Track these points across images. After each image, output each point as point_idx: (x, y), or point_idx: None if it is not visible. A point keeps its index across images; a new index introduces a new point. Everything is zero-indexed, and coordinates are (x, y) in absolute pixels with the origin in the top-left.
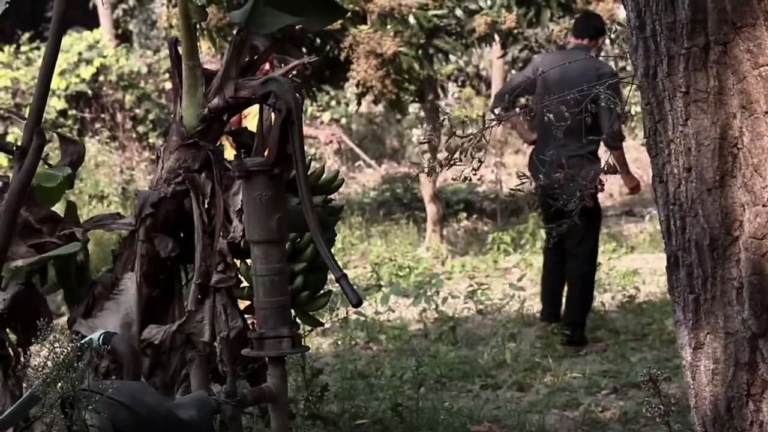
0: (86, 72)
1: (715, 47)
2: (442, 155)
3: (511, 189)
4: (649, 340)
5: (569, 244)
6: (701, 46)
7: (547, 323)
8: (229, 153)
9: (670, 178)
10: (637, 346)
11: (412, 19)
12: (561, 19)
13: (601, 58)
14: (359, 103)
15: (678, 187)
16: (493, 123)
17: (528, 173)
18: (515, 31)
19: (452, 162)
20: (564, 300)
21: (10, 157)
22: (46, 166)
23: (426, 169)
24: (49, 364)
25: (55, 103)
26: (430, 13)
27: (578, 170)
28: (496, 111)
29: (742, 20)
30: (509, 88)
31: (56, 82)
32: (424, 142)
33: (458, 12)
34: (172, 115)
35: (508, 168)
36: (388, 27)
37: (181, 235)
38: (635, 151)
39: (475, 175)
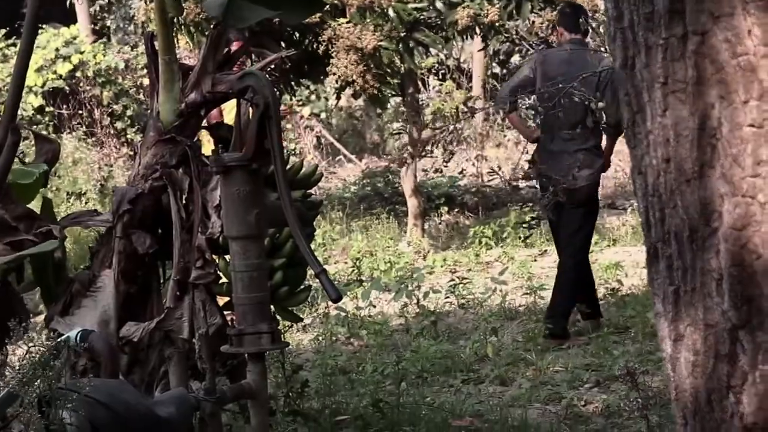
0: (63, 68)
1: (693, 37)
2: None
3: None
4: (631, 333)
5: (564, 234)
6: (679, 36)
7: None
8: (207, 148)
9: (649, 170)
10: (620, 339)
11: (391, 12)
12: (542, 11)
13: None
14: (339, 98)
15: (657, 178)
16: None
17: (530, 169)
18: (497, 23)
19: (423, 153)
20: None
21: None
22: (21, 165)
23: (397, 161)
24: (26, 362)
25: (32, 100)
26: (410, 6)
27: (586, 163)
28: (501, 113)
29: (720, 10)
30: (511, 88)
31: (33, 79)
32: (397, 133)
33: (438, 4)
34: (149, 111)
35: (489, 161)
36: (368, 20)
37: (159, 231)
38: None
39: (446, 166)
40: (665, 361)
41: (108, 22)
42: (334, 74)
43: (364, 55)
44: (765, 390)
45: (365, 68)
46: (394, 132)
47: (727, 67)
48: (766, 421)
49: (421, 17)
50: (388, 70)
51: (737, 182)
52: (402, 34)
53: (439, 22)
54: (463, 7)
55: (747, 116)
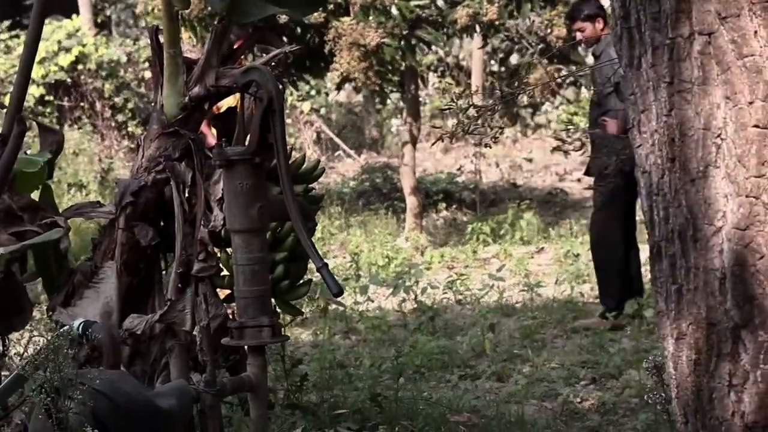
0: (65, 60)
1: (699, 37)
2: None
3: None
4: (627, 330)
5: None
6: (685, 36)
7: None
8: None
9: (654, 169)
10: (616, 336)
11: (394, 10)
12: (542, 10)
13: None
14: (339, 89)
15: (661, 177)
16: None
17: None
18: (496, 22)
19: (470, 129)
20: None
21: None
22: (24, 154)
23: (445, 135)
24: (30, 351)
25: (34, 91)
26: (412, 3)
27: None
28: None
29: (726, 10)
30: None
31: (35, 71)
32: (447, 109)
33: (440, 2)
34: (153, 104)
35: (488, 159)
36: (371, 18)
37: (162, 223)
38: None
39: (495, 142)
40: (666, 359)
41: (108, 12)
42: (337, 71)
43: (367, 52)
44: (766, 389)
45: (368, 65)
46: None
47: (733, 68)
48: (767, 420)
49: (423, 14)
50: (390, 67)
51: (741, 182)
52: (404, 32)
53: (440, 20)
54: (463, 6)
55: (752, 117)
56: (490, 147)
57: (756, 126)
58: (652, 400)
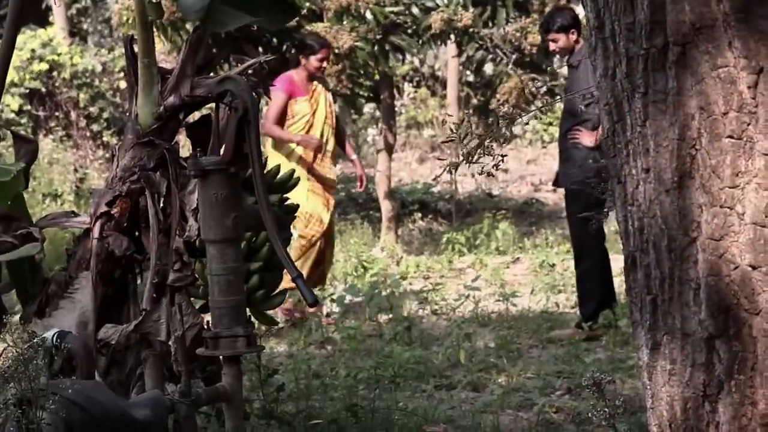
0: (39, 69)
1: (673, 48)
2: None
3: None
4: (603, 340)
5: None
6: (660, 46)
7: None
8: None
9: (629, 179)
10: (591, 346)
11: (369, 15)
12: (517, 19)
13: None
14: None
15: (636, 187)
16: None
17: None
18: (471, 29)
19: (474, 158)
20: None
21: None
22: None
23: (448, 168)
24: (4, 361)
25: (10, 101)
26: (387, 9)
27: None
28: None
29: (700, 21)
30: None
31: (10, 78)
32: (448, 141)
33: (414, 10)
34: (128, 113)
35: (463, 168)
36: (345, 23)
37: (137, 233)
38: None
39: (497, 170)
40: (641, 370)
41: (85, 25)
42: None
43: (340, 56)
44: (741, 399)
45: (340, 68)
46: (445, 141)
47: (707, 79)
48: (741, 430)
49: (398, 20)
50: (362, 71)
51: (716, 193)
52: (378, 37)
53: (414, 27)
54: (438, 12)
55: (726, 127)
56: (493, 175)
57: (730, 137)
58: (596, 417)
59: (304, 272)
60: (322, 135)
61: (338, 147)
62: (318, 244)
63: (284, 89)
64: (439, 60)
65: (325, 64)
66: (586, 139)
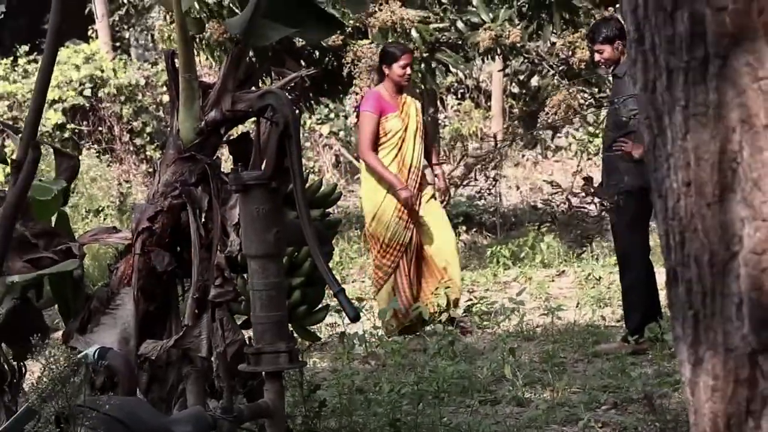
0: (83, 84)
1: (714, 60)
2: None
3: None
4: (649, 354)
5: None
6: (700, 59)
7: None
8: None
9: (669, 193)
10: (637, 360)
11: (414, 33)
12: (564, 33)
13: None
14: (358, 116)
15: (677, 201)
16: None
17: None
18: (518, 44)
19: (467, 180)
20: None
21: (7, 170)
22: (39, 181)
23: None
24: (45, 379)
25: (51, 116)
26: (432, 26)
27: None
28: None
29: (741, 33)
30: None
31: (53, 95)
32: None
33: (460, 25)
34: (169, 129)
35: (508, 181)
36: (390, 41)
37: (178, 249)
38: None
39: (490, 194)
40: (684, 385)
41: (127, 35)
42: (357, 94)
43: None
44: None
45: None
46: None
47: (749, 91)
48: None
49: (443, 37)
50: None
51: (758, 206)
52: (424, 55)
53: (460, 42)
54: (485, 29)
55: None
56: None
57: None
58: (646, 429)
59: (384, 303)
60: (413, 149)
61: (425, 158)
62: (399, 270)
63: (374, 108)
64: (483, 72)
65: (408, 70)
66: (635, 150)
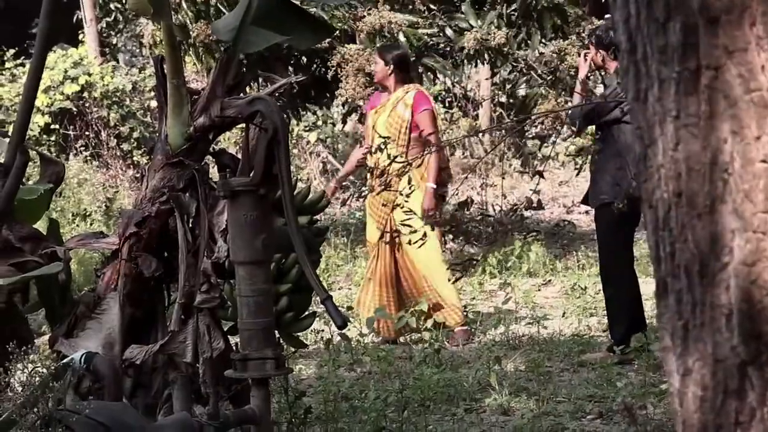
0: (70, 89)
1: (706, 71)
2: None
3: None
4: (635, 364)
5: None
6: (692, 69)
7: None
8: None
9: (660, 204)
10: (623, 370)
11: (402, 37)
12: (552, 41)
13: None
14: (345, 122)
15: (668, 212)
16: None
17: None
18: (504, 48)
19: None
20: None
21: None
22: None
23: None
24: (28, 384)
25: (38, 120)
26: (420, 31)
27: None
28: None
29: (734, 44)
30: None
31: (41, 99)
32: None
33: (448, 31)
34: (157, 134)
35: (495, 190)
36: (378, 45)
37: (165, 254)
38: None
39: (474, 203)
40: (672, 396)
41: (114, 40)
42: (342, 96)
43: (373, 78)
44: None
45: (373, 91)
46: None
47: (740, 103)
48: None
49: (431, 43)
50: None
51: (749, 218)
52: (412, 59)
53: (448, 49)
54: (471, 32)
55: (759, 152)
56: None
57: (763, 161)
58: None
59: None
60: None
61: None
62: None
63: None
64: (471, 80)
65: None
66: (598, 59)
